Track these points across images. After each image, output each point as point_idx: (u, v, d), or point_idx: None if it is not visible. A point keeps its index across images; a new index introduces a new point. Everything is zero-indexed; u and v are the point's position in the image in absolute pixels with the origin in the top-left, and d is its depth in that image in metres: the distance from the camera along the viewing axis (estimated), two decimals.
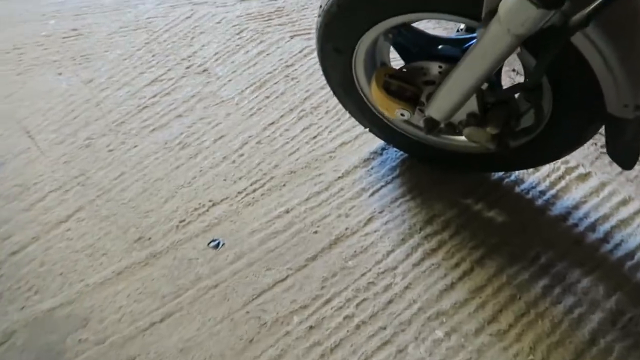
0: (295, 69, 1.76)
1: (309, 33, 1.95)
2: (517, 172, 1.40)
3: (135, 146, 1.43)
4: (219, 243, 1.19)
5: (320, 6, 1.11)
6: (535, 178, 1.39)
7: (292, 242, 1.21)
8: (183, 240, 1.20)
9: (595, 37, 0.83)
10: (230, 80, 1.69)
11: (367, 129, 1.40)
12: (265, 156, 1.43)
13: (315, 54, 1.85)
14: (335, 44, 1.16)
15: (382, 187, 1.35)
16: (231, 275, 1.15)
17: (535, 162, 1.25)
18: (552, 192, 1.36)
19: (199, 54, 1.81)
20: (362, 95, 1.27)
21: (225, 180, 1.35)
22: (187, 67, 1.74)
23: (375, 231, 1.24)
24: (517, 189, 1.36)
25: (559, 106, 0.99)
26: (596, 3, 0.71)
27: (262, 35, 1.93)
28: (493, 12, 0.80)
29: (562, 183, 1.38)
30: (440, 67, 1.04)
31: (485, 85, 0.97)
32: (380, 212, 1.29)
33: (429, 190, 1.35)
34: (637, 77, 0.85)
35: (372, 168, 1.41)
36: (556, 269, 1.18)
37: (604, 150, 1.50)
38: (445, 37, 1.08)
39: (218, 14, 2.04)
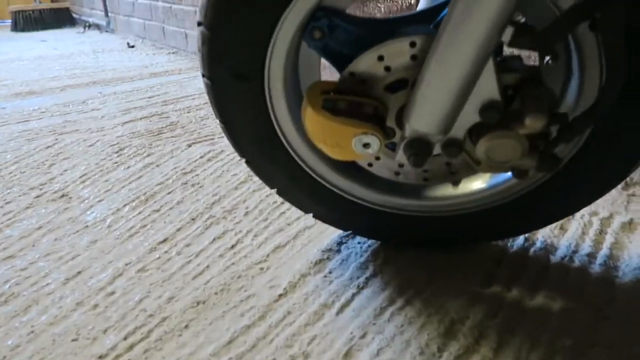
0: (197, 174, 1.28)
1: (212, 139, 1.53)
2: (542, 237, 0.94)
3: None
4: None
5: (200, 6, 0.69)
6: (570, 240, 0.93)
7: None
8: None
9: None
10: (100, 201, 1.16)
11: (311, 215, 0.90)
12: (152, 288, 0.85)
13: (224, 155, 1.40)
14: (233, 65, 0.71)
15: (354, 296, 0.81)
16: None
17: (578, 200, 0.79)
18: (605, 252, 0.89)
19: (58, 180, 1.29)
20: (290, 149, 0.80)
21: (76, 340, 0.74)
22: (37, 196, 1.20)
23: None
24: (555, 259, 0.88)
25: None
26: None
27: (150, 149, 1.47)
28: None
29: (610, 238, 0.93)
30: (412, 44, 0.61)
31: (508, 34, 0.53)
32: (363, 337, 0.73)
33: (428, 287, 0.83)
34: None
35: (330, 272, 0.87)
36: None
37: (631, 191, 1.10)
38: (404, 14, 0.67)
39: (91, 139, 1.58)
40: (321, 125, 0.66)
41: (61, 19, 4.19)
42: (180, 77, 2.34)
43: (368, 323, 0.75)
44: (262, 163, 0.83)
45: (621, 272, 0.84)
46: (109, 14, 3.66)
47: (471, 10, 0.52)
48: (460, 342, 0.71)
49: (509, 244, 0.93)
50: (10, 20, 4.15)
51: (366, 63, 0.64)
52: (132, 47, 3.13)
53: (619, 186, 1.12)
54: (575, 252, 0.90)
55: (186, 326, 0.76)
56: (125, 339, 0.74)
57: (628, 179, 1.14)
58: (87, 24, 4.02)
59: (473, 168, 0.69)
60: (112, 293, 0.84)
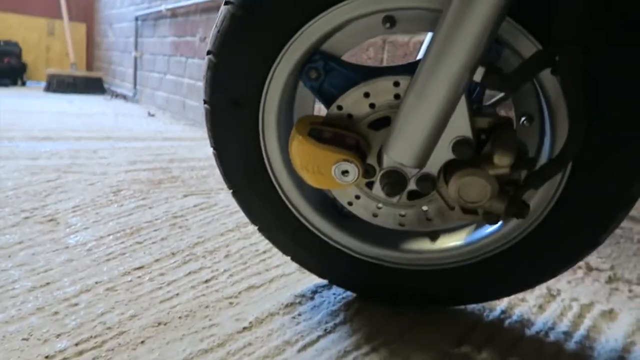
0: (186, 219, 1.30)
1: (208, 194, 1.56)
2: (519, 312, 0.92)
3: None
4: None
5: (211, 36, 0.76)
6: (547, 318, 0.92)
7: None
8: None
9: None
10: (86, 229, 1.17)
11: (289, 257, 0.91)
12: (117, 305, 0.83)
13: (217, 207, 1.42)
14: (232, 92, 0.77)
15: (319, 337, 0.79)
16: None
17: (552, 264, 0.80)
18: (582, 333, 0.87)
19: (50, 207, 1.31)
20: (276, 184, 0.82)
21: (27, 339, 0.72)
22: (26, 217, 1.22)
23: None
24: (530, 332, 0.86)
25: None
26: None
27: (147, 194, 1.50)
28: None
29: (587, 322, 0.91)
30: (396, 84, 0.67)
31: (481, 72, 0.58)
32: None
33: (398, 339, 0.80)
34: None
35: (299, 314, 0.86)
36: None
37: (614, 285, 1.10)
38: (396, 64, 0.73)
39: (92, 180, 1.62)
40: (305, 151, 0.70)
41: (92, 86, 4.47)
42: (191, 143, 2.44)
43: None
44: (248, 196, 0.85)
45: (596, 352, 0.82)
46: (137, 86, 3.91)
47: (446, 51, 0.57)
48: None
49: (485, 314, 0.91)
50: (45, 82, 4.43)
51: (353, 98, 0.69)
52: (152, 115, 3.30)
53: (603, 279, 1.12)
54: (551, 329, 0.88)
55: (142, 342, 0.74)
56: (76, 345, 0.72)
57: (612, 273, 1.14)
58: (115, 93, 4.28)
59: (447, 216, 0.72)
60: (76, 304, 0.83)
